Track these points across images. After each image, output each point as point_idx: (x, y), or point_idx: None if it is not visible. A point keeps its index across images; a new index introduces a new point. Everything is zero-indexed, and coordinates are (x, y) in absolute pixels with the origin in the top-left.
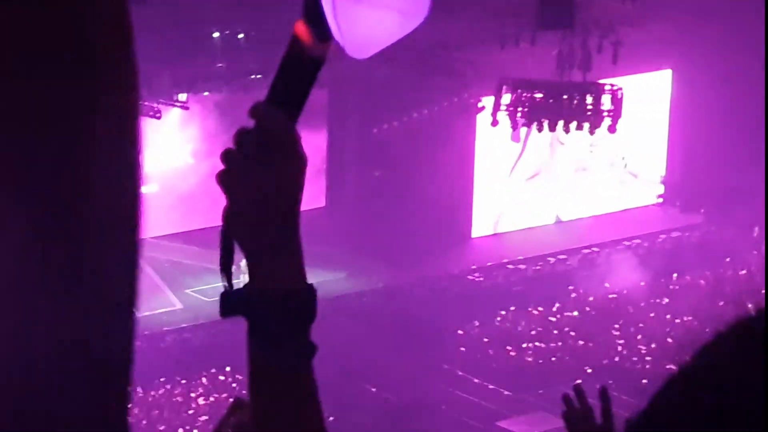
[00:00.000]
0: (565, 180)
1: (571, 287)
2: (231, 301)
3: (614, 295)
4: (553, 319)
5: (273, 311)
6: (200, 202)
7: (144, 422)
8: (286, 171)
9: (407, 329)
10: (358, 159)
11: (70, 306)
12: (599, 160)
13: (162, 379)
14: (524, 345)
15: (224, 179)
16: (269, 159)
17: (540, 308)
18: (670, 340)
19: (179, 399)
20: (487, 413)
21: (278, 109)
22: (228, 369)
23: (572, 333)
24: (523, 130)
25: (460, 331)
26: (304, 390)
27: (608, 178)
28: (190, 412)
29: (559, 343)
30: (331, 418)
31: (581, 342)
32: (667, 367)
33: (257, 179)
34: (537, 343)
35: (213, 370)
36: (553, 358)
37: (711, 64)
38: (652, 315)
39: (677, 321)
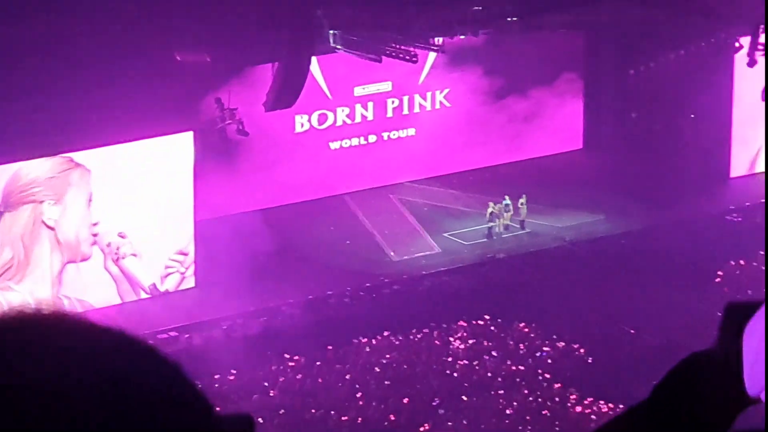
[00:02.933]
0: None
1: None
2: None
3: None
4: None
5: None
6: (457, 146)
7: (405, 366)
8: None
9: (666, 271)
10: (614, 101)
11: None
12: None
13: (420, 323)
14: None
15: None
16: None
17: None
18: None
19: (437, 342)
20: None
21: None
22: (487, 317)
23: None
24: None
25: (719, 272)
26: None
27: None
28: (449, 357)
29: None
30: (589, 360)
31: None
32: None
33: None
34: None
35: (471, 315)
36: None
37: None
38: None
39: None
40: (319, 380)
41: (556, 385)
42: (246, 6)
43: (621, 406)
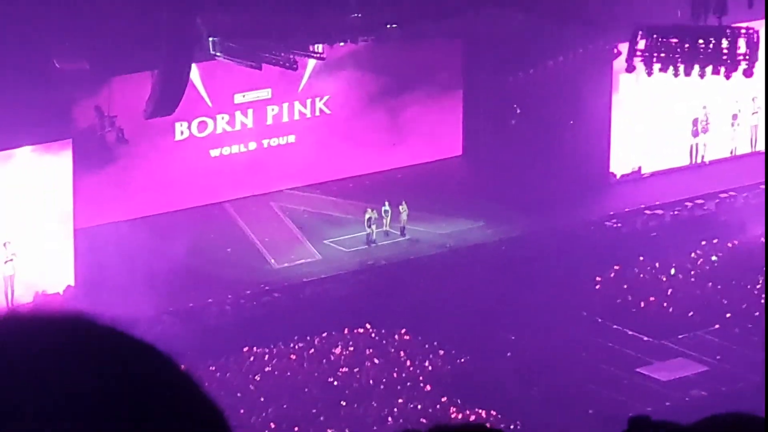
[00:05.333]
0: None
1: (709, 232)
2: None
3: (752, 240)
4: (691, 265)
5: None
6: (337, 153)
7: (288, 374)
8: None
9: (546, 276)
10: (494, 107)
11: None
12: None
13: (301, 331)
14: (663, 291)
15: None
16: None
17: (678, 254)
18: None
19: (319, 350)
20: (627, 359)
21: None
22: (368, 324)
23: (711, 278)
24: None
25: (598, 278)
26: None
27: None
28: (330, 365)
29: (698, 291)
30: (470, 367)
31: (720, 287)
32: None
33: None
34: (676, 289)
35: (352, 322)
36: (692, 304)
37: None
38: None
39: None
40: None
41: (437, 393)
42: (125, 13)
43: (500, 414)
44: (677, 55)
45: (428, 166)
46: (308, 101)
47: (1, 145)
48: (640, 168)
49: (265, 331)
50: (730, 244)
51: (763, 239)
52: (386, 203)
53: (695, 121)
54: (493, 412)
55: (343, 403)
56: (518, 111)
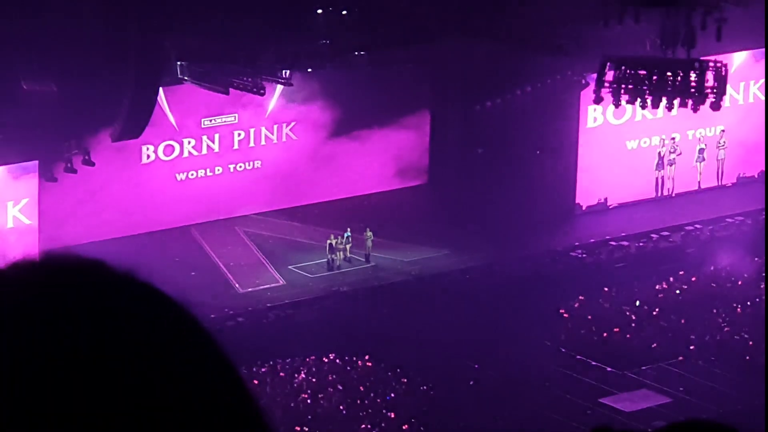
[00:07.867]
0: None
1: (674, 264)
2: None
3: (717, 273)
4: (656, 297)
5: None
6: (303, 179)
7: None
8: None
9: (510, 306)
10: (460, 136)
11: None
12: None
13: (265, 356)
14: (627, 322)
15: None
16: None
17: (643, 286)
18: None
19: (282, 375)
20: (590, 390)
21: None
22: (332, 350)
23: (675, 310)
24: None
25: (562, 309)
26: None
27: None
28: (293, 390)
29: (662, 323)
30: (432, 394)
31: (684, 320)
32: None
33: None
34: (640, 321)
35: (316, 348)
36: (656, 336)
37: None
38: (755, 292)
39: None
40: None
41: (400, 421)
42: (93, 35)
43: None
44: (645, 87)
45: (394, 194)
46: (275, 127)
47: None
48: (606, 199)
49: (229, 355)
50: (694, 277)
51: (726, 271)
52: (348, 230)
53: (660, 154)
54: None
55: (306, 429)
56: (480, 151)
